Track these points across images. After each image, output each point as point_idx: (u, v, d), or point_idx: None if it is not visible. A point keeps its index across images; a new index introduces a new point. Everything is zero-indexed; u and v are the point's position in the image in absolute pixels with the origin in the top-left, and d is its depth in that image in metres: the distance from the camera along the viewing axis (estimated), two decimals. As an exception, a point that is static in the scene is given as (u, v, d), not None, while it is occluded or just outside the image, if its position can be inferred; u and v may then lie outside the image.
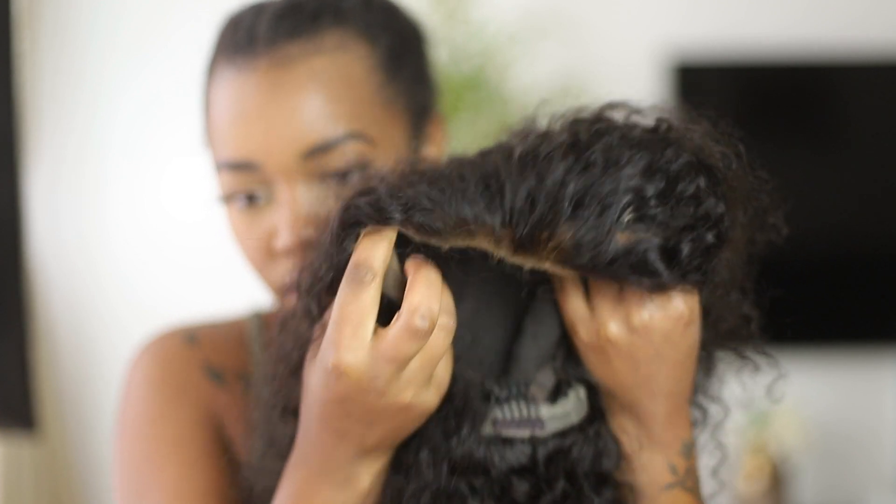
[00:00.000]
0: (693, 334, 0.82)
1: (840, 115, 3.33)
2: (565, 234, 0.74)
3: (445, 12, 3.02)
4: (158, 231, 3.12)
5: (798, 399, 3.12)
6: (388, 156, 0.98)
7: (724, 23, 3.32)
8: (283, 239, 0.97)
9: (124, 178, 3.15)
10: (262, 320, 1.13)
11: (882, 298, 3.31)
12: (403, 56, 1.05)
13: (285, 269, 0.97)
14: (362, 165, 0.97)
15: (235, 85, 0.98)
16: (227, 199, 1.01)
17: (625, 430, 0.85)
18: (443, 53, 3.02)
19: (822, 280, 3.30)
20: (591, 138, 0.77)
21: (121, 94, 3.14)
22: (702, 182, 0.78)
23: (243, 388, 1.07)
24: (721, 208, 0.78)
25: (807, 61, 3.27)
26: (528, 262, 0.76)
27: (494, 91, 3.04)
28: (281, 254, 0.98)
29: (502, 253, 0.76)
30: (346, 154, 0.97)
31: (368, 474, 0.82)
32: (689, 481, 0.86)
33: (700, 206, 0.77)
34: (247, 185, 0.99)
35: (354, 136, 0.97)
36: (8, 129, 1.63)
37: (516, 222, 0.74)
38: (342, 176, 0.97)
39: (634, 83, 3.29)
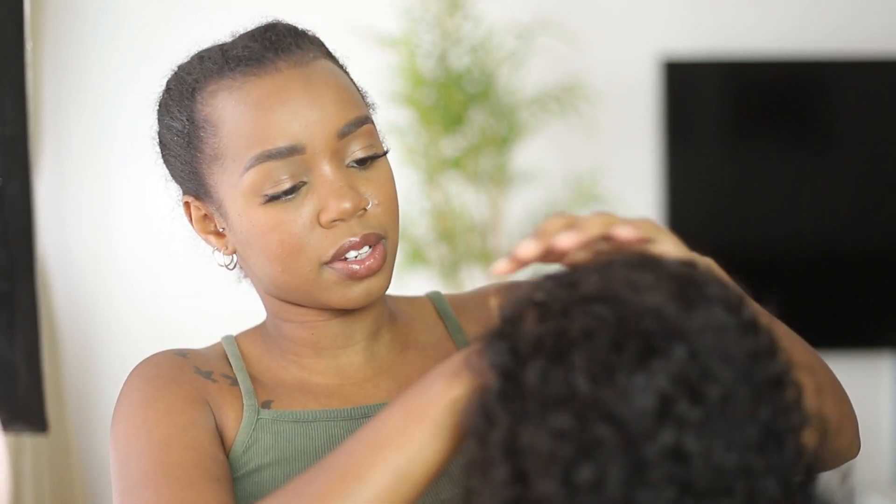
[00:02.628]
0: None
1: (830, 113, 3.34)
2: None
3: (446, 7, 3.02)
4: (162, 234, 3.12)
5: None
6: (379, 139, 1.14)
7: (716, 21, 3.34)
8: (333, 207, 1.07)
9: (129, 181, 3.16)
10: (234, 339, 1.21)
11: (878, 297, 3.32)
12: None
13: (331, 241, 1.08)
14: (373, 148, 1.11)
15: (260, 85, 1.08)
16: (255, 196, 1.08)
17: None
18: (442, 47, 3.03)
19: (816, 279, 3.31)
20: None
21: (125, 98, 3.14)
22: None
23: (229, 384, 1.14)
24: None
25: (797, 59, 3.29)
26: None
27: (492, 85, 3.05)
28: (328, 223, 1.08)
29: None
30: (364, 135, 1.10)
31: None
32: None
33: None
34: (285, 171, 1.07)
35: (367, 118, 1.12)
36: (20, 136, 1.64)
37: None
38: (361, 162, 1.10)
39: (629, 81, 3.30)
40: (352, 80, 1.16)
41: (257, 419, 1.12)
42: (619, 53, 3.31)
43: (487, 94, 3.04)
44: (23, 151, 1.71)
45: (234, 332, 1.22)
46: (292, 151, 1.07)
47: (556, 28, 3.13)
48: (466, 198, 3.10)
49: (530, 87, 3.13)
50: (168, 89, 1.16)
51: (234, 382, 1.14)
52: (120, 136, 3.16)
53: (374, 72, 3.11)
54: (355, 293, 1.09)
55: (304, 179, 1.08)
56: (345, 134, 1.09)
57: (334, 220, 1.07)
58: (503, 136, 3.06)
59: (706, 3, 3.34)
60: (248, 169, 1.07)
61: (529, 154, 3.15)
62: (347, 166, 1.09)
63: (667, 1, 3.33)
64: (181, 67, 1.15)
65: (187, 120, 1.12)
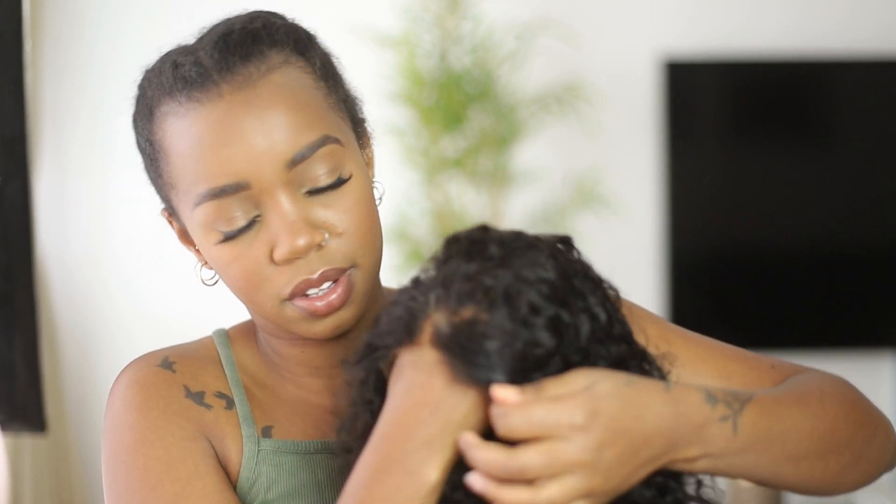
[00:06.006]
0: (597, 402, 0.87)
1: (830, 113, 3.34)
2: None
3: (446, 6, 3.02)
4: (161, 235, 3.12)
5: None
6: (352, 156, 1.04)
7: (716, 21, 3.33)
8: (285, 246, 0.99)
9: (128, 180, 3.14)
10: (228, 336, 1.15)
11: (878, 297, 3.32)
12: (332, 67, 1.10)
13: (287, 279, 1.01)
14: (337, 171, 1.02)
15: (202, 116, 1.01)
16: (211, 232, 1.02)
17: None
18: (442, 47, 3.03)
19: (816, 279, 3.31)
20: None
21: (125, 98, 3.14)
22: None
23: (224, 406, 1.08)
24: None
25: (798, 59, 3.28)
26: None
27: (492, 85, 3.04)
28: (282, 262, 1.01)
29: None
30: (324, 158, 1.01)
31: (437, 468, 0.87)
32: (735, 403, 0.91)
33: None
34: (233, 208, 1.01)
35: (327, 139, 1.01)
36: (19, 135, 1.64)
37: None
38: (322, 187, 1.01)
39: (630, 80, 3.30)
40: (332, 80, 1.07)
41: (258, 451, 1.06)
42: (619, 53, 3.30)
43: (487, 94, 3.04)
44: (22, 151, 1.71)
45: (227, 326, 1.16)
46: (238, 188, 0.99)
47: (556, 28, 3.13)
48: (466, 198, 3.10)
49: (530, 87, 3.13)
50: (136, 99, 1.10)
51: (230, 404, 1.08)
52: (119, 135, 3.13)
53: (374, 72, 3.11)
54: (321, 327, 1.03)
55: (258, 213, 1.01)
56: (296, 162, 0.99)
57: (287, 259, 1.00)
58: (503, 136, 3.05)
59: (707, 3, 3.34)
60: (197, 205, 1.01)
61: (529, 154, 3.15)
62: (307, 192, 1.01)
63: (668, 1, 3.33)
64: (146, 76, 1.09)
65: (147, 141, 1.07)
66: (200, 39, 1.07)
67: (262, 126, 0.99)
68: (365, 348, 0.95)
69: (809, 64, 3.28)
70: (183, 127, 1.01)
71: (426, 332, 0.89)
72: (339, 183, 1.02)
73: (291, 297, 1.01)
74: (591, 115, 3.15)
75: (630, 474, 0.87)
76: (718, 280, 3.30)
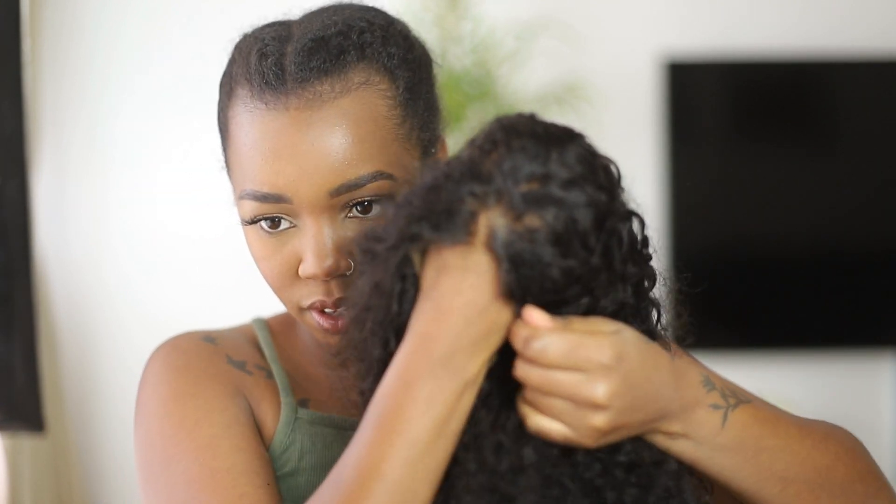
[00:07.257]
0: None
1: (831, 113, 3.34)
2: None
3: (446, 6, 3.02)
4: (161, 234, 3.12)
5: (793, 399, 3.13)
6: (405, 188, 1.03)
7: (717, 21, 3.33)
8: (309, 266, 1.01)
9: (127, 179, 3.15)
10: (266, 324, 1.17)
11: (879, 296, 3.32)
12: (418, 87, 1.08)
13: (308, 292, 1.03)
14: (385, 197, 1.02)
15: (265, 121, 1.01)
16: (251, 222, 1.04)
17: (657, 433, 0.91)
18: (442, 47, 3.03)
19: (817, 278, 3.31)
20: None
21: (124, 97, 3.14)
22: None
23: (265, 376, 1.10)
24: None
25: (798, 59, 3.28)
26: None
27: (492, 85, 3.04)
28: (304, 278, 1.02)
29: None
30: (371, 191, 1.01)
31: (477, 366, 0.87)
32: (732, 399, 0.92)
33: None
34: (272, 212, 1.02)
35: (379, 175, 1.01)
36: (17, 135, 1.64)
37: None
38: (365, 206, 1.01)
39: (630, 80, 3.30)
40: (412, 105, 1.05)
41: (295, 418, 1.08)
42: (620, 53, 3.30)
43: (487, 94, 3.03)
44: (20, 150, 1.71)
45: (266, 315, 1.20)
46: (280, 200, 1.01)
47: (557, 27, 3.12)
48: (466, 198, 3.09)
49: (531, 87, 3.13)
50: (227, 65, 1.09)
51: (270, 375, 1.11)
52: (118, 134, 3.15)
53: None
54: (334, 340, 1.04)
55: (295, 223, 1.02)
56: (341, 192, 1.00)
57: (309, 278, 1.02)
58: (503, 136, 3.05)
59: (707, 3, 3.34)
60: (241, 198, 1.04)
61: (529, 154, 3.14)
62: (348, 217, 1.02)
63: (668, 1, 3.33)
64: (240, 45, 1.08)
65: (221, 111, 1.07)
66: (301, 24, 1.06)
67: (316, 150, 0.99)
68: (398, 235, 0.89)
69: (809, 64, 3.28)
70: (246, 121, 1.02)
71: (481, 231, 0.86)
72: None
73: (309, 308, 1.04)
74: (591, 115, 3.14)
75: (620, 428, 0.87)
76: (719, 280, 3.29)
